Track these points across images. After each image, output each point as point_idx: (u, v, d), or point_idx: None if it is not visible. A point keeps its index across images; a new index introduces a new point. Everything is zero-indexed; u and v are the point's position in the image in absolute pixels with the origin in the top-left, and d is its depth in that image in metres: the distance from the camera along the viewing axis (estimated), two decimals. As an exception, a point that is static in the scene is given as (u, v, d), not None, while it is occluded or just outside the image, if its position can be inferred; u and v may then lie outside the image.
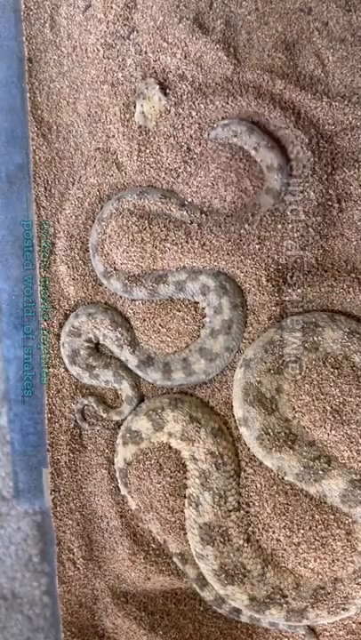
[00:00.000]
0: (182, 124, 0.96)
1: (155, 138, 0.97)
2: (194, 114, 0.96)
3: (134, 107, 0.98)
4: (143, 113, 0.98)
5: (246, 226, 0.94)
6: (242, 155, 0.95)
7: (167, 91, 0.97)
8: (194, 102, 0.96)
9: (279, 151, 0.95)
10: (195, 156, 0.96)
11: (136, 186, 0.99)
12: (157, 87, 0.97)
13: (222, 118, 0.96)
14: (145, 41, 0.98)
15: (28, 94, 1.04)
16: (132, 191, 0.98)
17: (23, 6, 1.04)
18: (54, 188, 1.04)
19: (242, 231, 0.94)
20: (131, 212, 0.97)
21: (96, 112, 1.02)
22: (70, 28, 1.03)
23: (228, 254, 0.94)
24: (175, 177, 0.97)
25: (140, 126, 0.98)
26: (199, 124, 0.96)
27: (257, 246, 0.94)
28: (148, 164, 0.98)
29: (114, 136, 1.00)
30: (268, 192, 0.95)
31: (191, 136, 0.96)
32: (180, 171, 0.96)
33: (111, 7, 1.00)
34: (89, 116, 1.03)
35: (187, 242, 0.95)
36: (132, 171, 0.99)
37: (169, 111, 0.96)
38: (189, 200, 0.97)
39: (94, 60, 1.01)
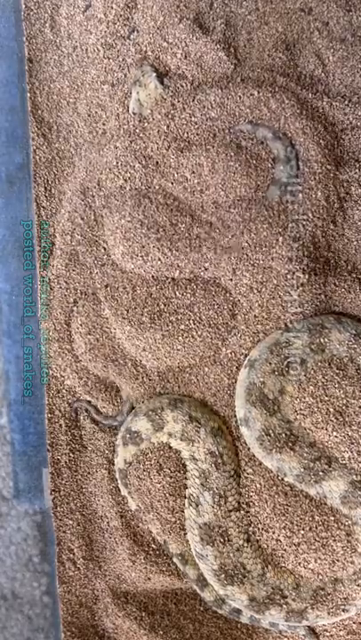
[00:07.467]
0: (177, 114, 0.95)
1: (148, 124, 0.97)
2: (190, 106, 0.95)
3: (130, 94, 0.98)
4: (139, 100, 0.97)
5: (250, 235, 0.94)
6: (247, 148, 0.95)
7: (163, 79, 0.96)
8: (192, 96, 0.95)
9: (286, 142, 0.95)
10: (189, 146, 0.96)
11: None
12: (154, 75, 0.96)
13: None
14: (145, 41, 0.98)
15: (29, 94, 1.04)
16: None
17: (23, 6, 1.04)
18: (54, 188, 1.04)
19: (249, 236, 0.94)
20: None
21: (96, 112, 1.02)
22: (70, 27, 1.03)
23: (230, 266, 0.95)
24: (155, 166, 0.96)
25: (134, 114, 0.98)
26: (195, 115, 0.95)
27: (260, 248, 0.94)
28: (134, 151, 0.97)
29: (113, 135, 1.00)
30: (275, 183, 0.95)
31: (186, 126, 0.96)
32: (166, 159, 0.96)
33: (111, 7, 1.00)
34: (89, 115, 1.03)
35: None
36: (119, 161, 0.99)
37: (165, 99, 0.96)
38: (176, 190, 0.96)
39: (94, 59, 1.01)
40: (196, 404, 0.98)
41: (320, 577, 0.92)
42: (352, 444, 0.90)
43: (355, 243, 0.98)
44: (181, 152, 0.96)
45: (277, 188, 0.95)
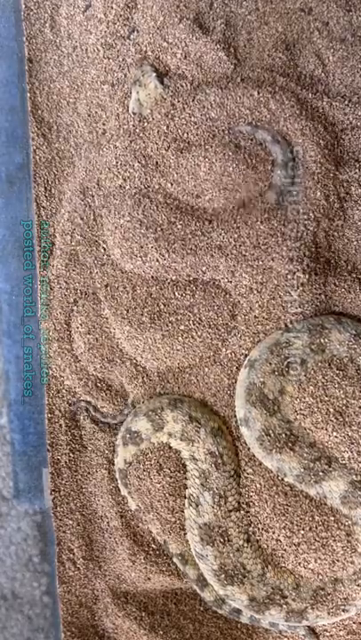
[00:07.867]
0: (177, 114, 0.95)
1: (148, 124, 0.97)
2: (190, 106, 0.95)
3: (130, 94, 0.98)
4: (139, 100, 0.97)
5: (250, 235, 0.94)
6: (246, 148, 0.95)
7: (163, 79, 0.96)
8: (192, 96, 0.95)
9: (285, 146, 0.95)
10: (189, 146, 0.96)
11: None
12: (154, 75, 0.96)
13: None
14: (145, 41, 0.98)
15: (29, 94, 1.04)
16: None
17: (23, 6, 1.04)
18: (54, 188, 1.04)
19: (248, 236, 0.94)
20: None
21: (96, 112, 1.02)
22: (70, 27, 1.03)
23: (229, 267, 0.95)
24: (154, 166, 0.96)
25: (134, 114, 0.98)
26: (195, 115, 0.95)
27: (255, 252, 0.94)
28: (134, 151, 0.97)
29: (113, 135, 1.00)
30: (273, 187, 0.95)
31: (186, 126, 0.96)
32: (166, 159, 0.96)
33: (111, 7, 1.00)
34: (89, 115, 1.03)
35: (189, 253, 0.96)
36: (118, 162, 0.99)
37: (165, 99, 0.96)
38: (172, 192, 0.96)
39: (94, 59, 1.01)
40: (196, 403, 0.98)
41: (320, 577, 0.92)
42: (352, 444, 0.90)
43: (355, 243, 0.98)
44: (181, 152, 0.96)
45: (274, 192, 0.95)
